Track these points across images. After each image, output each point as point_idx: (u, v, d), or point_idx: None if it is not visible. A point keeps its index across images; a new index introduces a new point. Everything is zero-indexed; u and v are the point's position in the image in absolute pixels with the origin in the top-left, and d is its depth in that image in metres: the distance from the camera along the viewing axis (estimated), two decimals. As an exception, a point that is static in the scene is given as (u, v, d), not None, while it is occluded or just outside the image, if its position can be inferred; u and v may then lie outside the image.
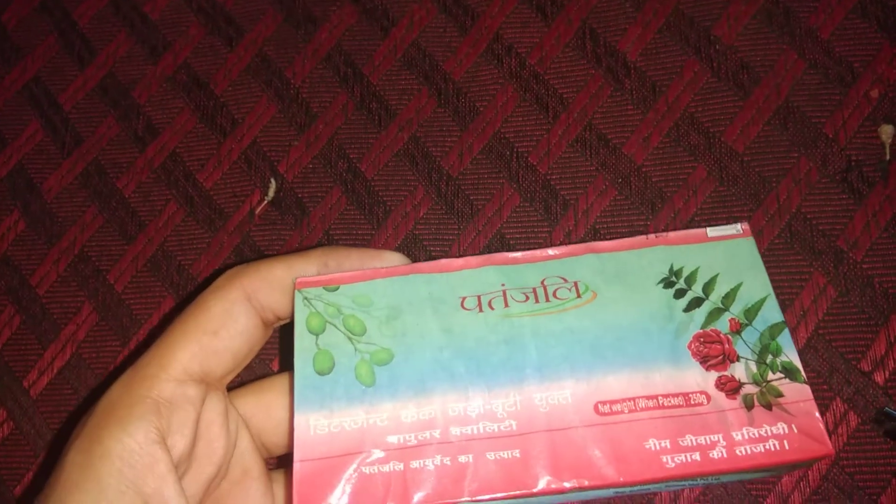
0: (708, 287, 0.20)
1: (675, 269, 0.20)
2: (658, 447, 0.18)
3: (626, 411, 0.18)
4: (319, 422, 0.17)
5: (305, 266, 0.20)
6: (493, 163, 0.36)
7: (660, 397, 0.18)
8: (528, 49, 0.37)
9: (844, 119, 0.34)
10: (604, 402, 0.18)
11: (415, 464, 0.17)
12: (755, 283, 0.20)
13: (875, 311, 0.31)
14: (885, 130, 0.33)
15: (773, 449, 0.18)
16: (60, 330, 0.37)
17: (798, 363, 0.19)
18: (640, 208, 0.34)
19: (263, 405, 0.21)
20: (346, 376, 0.18)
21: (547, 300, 0.18)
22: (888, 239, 0.32)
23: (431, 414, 0.17)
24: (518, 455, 0.17)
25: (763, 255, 0.33)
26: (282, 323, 0.21)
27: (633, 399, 0.18)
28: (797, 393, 0.19)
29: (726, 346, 0.19)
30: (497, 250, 0.35)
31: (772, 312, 0.20)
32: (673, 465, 0.17)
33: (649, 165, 0.35)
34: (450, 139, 0.37)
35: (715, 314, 0.20)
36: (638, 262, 0.20)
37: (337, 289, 0.19)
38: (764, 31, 0.35)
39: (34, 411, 0.36)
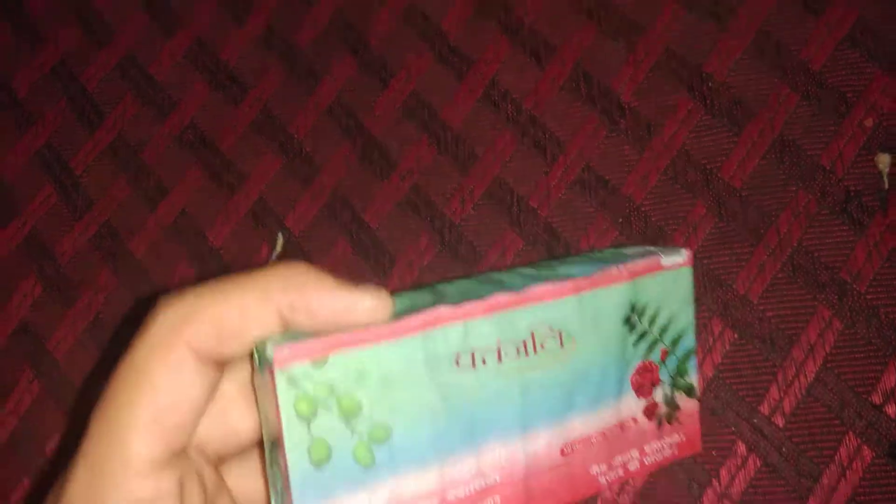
0: (652, 320, 0.21)
1: (634, 305, 0.21)
2: (598, 470, 0.20)
3: (582, 448, 0.20)
4: None
5: (263, 307, 0.16)
6: (494, 207, 0.37)
7: (605, 430, 0.20)
8: (524, 94, 0.38)
9: (840, 150, 0.34)
10: (567, 444, 0.20)
11: None
12: (684, 313, 0.22)
13: (882, 341, 0.31)
14: (882, 160, 0.33)
15: (667, 455, 0.21)
16: (79, 394, 0.38)
17: (696, 383, 0.22)
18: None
19: (247, 471, 0.19)
20: (344, 461, 0.16)
21: (535, 352, 0.19)
22: (891, 268, 0.32)
23: (430, 484, 0.17)
24: (498, 502, 0.19)
25: (766, 290, 0.33)
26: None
27: (588, 436, 0.20)
28: (690, 406, 0.22)
29: (654, 374, 0.21)
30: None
31: (689, 340, 0.22)
32: (605, 481, 0.20)
33: (648, 204, 0.35)
34: (451, 186, 0.37)
35: (653, 346, 0.21)
36: (609, 302, 0.20)
37: (325, 361, 0.16)
38: (755, 65, 0.36)
39: (54, 474, 0.37)
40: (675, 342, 0.22)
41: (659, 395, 0.21)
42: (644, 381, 0.21)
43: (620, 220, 0.35)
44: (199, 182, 0.40)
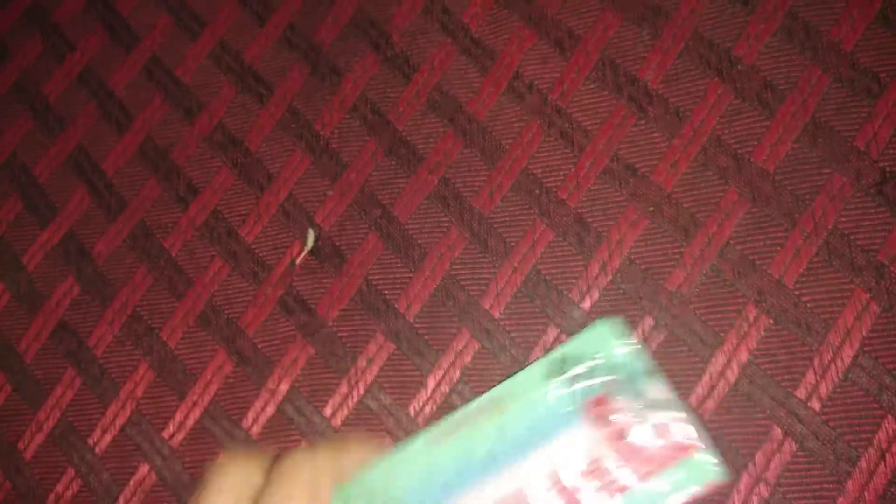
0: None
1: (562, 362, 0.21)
2: None
3: None
4: None
5: None
6: (523, 199, 0.37)
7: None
8: (549, 84, 0.38)
9: (875, 131, 0.34)
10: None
11: None
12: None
13: (921, 324, 0.31)
14: (918, 140, 0.33)
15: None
16: (119, 389, 0.38)
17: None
18: (674, 235, 0.35)
19: None
20: None
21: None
22: (929, 250, 0.32)
23: None
24: None
25: (801, 275, 0.33)
26: None
27: None
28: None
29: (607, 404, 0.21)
30: (534, 286, 0.35)
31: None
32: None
33: (679, 192, 0.35)
34: (479, 179, 0.38)
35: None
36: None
37: None
38: (785, 48, 0.36)
39: (101, 468, 0.38)
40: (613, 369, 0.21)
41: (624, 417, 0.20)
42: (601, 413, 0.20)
43: (651, 208, 0.35)
44: (230, 181, 0.41)
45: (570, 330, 0.34)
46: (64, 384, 0.39)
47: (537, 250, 0.36)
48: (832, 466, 0.31)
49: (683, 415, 0.21)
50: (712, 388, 0.33)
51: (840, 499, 0.30)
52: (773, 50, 0.36)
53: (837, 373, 0.31)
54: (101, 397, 0.39)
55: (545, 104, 0.38)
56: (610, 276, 0.35)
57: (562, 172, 0.37)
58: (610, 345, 0.22)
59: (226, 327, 0.38)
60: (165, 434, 0.37)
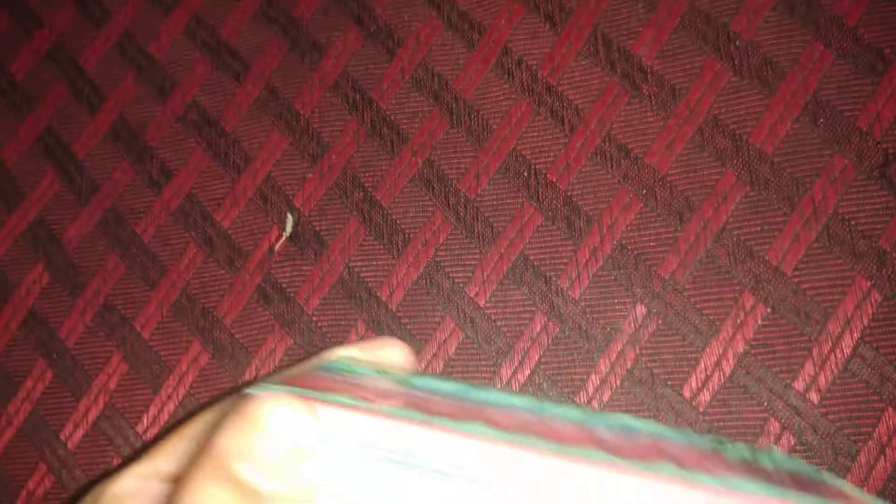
0: None
1: None
2: None
3: None
4: None
5: None
6: (511, 182, 0.35)
7: None
8: (539, 60, 0.36)
9: (878, 110, 0.32)
10: None
11: None
12: None
13: (925, 312, 0.30)
14: (924, 119, 0.31)
15: None
16: (92, 381, 0.37)
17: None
18: (668, 219, 0.33)
19: None
20: None
21: None
22: (934, 235, 0.30)
23: None
24: None
25: (800, 261, 0.31)
26: None
27: None
28: None
29: None
30: (521, 273, 0.34)
31: None
32: None
33: (674, 174, 0.33)
34: (465, 160, 0.36)
35: None
36: None
37: None
38: (786, 22, 0.34)
39: (74, 463, 0.36)
40: None
41: None
42: None
43: (644, 191, 0.34)
44: (205, 163, 0.39)
45: (557, 318, 0.33)
46: (34, 377, 0.38)
47: (525, 235, 0.34)
48: (831, 461, 0.29)
49: None
50: (707, 379, 0.31)
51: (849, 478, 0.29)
52: (773, 24, 0.34)
53: (837, 363, 0.30)
54: (73, 390, 0.37)
55: (535, 81, 0.36)
56: (601, 262, 0.33)
57: (552, 153, 0.35)
58: None
59: (201, 317, 0.37)
60: (139, 428, 0.36)
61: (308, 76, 0.39)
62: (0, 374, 0.38)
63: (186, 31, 0.41)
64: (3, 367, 0.38)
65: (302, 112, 0.38)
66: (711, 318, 0.32)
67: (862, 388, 0.30)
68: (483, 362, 0.33)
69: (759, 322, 0.31)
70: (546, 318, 0.33)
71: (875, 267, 0.31)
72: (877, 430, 0.29)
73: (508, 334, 0.33)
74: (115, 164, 0.40)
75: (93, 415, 0.37)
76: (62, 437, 0.37)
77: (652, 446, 0.16)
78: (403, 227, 0.36)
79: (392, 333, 0.35)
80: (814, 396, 0.30)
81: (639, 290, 0.33)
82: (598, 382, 0.32)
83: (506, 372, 0.33)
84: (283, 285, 0.36)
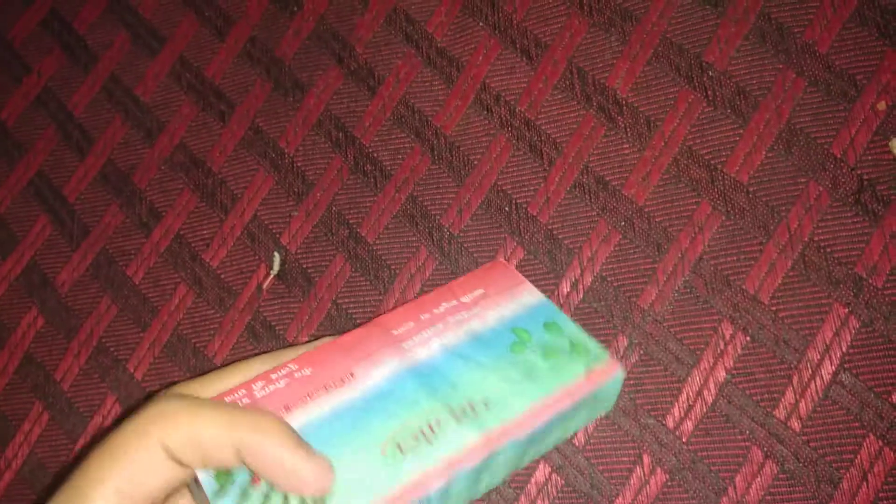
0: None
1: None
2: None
3: None
4: None
5: (226, 436, 0.18)
6: (493, 217, 0.36)
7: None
8: (517, 95, 0.37)
9: (852, 136, 0.32)
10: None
11: None
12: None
13: (902, 338, 0.30)
14: (896, 145, 0.32)
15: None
16: (87, 423, 0.38)
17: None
18: (646, 250, 0.33)
19: None
20: None
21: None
22: (909, 260, 0.31)
23: None
24: None
25: (778, 289, 0.32)
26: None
27: None
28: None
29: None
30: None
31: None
32: None
33: (651, 205, 0.34)
34: (447, 196, 0.36)
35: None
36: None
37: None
38: (758, 51, 0.34)
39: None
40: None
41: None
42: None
43: (623, 223, 0.34)
44: (192, 204, 0.40)
45: (544, 351, 0.33)
46: (31, 420, 0.38)
47: (507, 270, 0.35)
48: (814, 489, 0.30)
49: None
50: (689, 408, 0.32)
51: (821, 520, 0.29)
52: (746, 54, 0.34)
53: (817, 391, 0.30)
54: (69, 433, 0.38)
55: (513, 116, 0.36)
56: (581, 295, 0.34)
57: (532, 187, 0.35)
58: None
59: (192, 356, 0.37)
60: (134, 469, 0.36)
61: (292, 115, 0.40)
62: (-2, 419, 0.39)
63: (172, 72, 0.42)
64: (2, 411, 0.39)
65: (286, 150, 0.39)
66: (692, 347, 0.32)
67: (843, 415, 0.30)
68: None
69: (739, 351, 0.32)
70: (530, 351, 0.34)
71: (852, 293, 0.31)
72: (859, 456, 0.30)
73: (493, 368, 0.34)
74: (105, 207, 0.41)
75: (89, 457, 0.37)
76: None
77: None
78: (389, 262, 0.36)
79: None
80: (795, 424, 0.30)
81: (619, 321, 0.33)
82: (583, 414, 0.33)
83: (492, 405, 0.34)
84: (273, 323, 0.37)
